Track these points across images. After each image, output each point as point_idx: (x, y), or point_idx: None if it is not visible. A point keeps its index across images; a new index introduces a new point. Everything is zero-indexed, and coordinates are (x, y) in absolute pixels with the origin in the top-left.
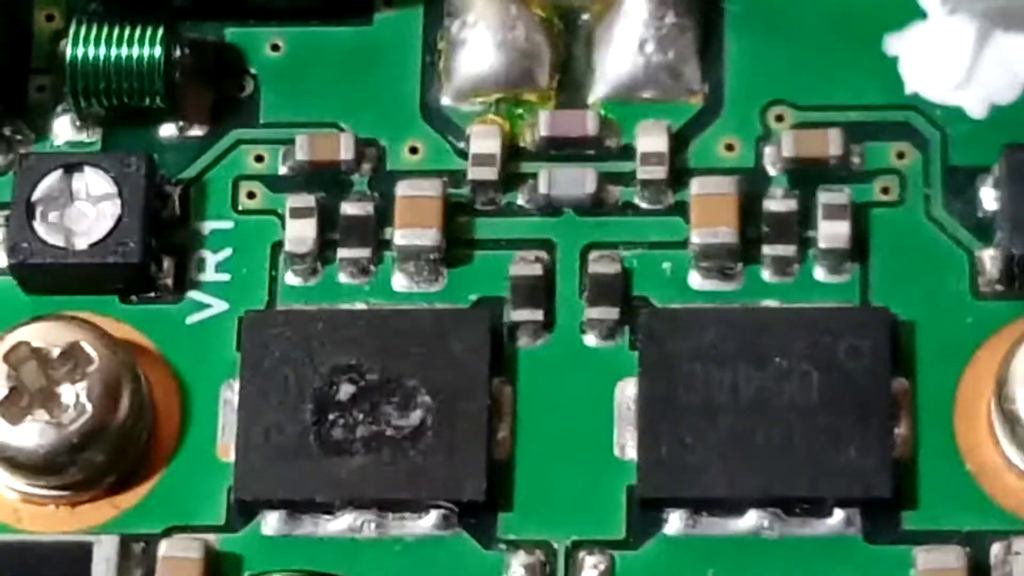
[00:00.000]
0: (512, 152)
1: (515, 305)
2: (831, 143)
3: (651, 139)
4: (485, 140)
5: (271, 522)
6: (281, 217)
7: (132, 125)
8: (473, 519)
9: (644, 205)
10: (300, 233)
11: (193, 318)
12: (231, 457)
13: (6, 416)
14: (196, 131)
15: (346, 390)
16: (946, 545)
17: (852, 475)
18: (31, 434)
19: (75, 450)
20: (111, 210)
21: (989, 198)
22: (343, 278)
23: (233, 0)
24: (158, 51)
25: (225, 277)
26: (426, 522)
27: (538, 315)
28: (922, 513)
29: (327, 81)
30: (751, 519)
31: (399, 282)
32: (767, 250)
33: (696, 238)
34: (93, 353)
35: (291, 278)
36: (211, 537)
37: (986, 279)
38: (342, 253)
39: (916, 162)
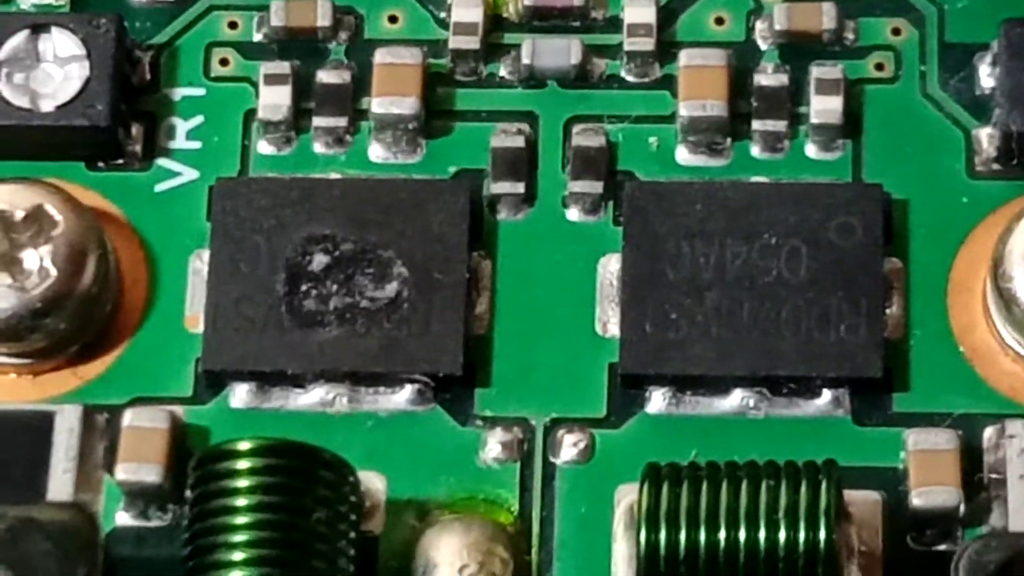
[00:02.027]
0: (495, 22)
1: (496, 177)
2: (824, 17)
3: (638, 10)
4: (467, 8)
5: (240, 394)
6: (255, 85)
7: None
8: (449, 394)
9: (630, 78)
10: (274, 100)
11: (162, 186)
12: (199, 328)
13: None
14: None
15: (320, 260)
16: (937, 427)
17: (841, 354)
18: None
19: (37, 315)
20: (79, 72)
21: (986, 75)
22: (318, 147)
23: None
24: None
25: (196, 145)
26: (400, 396)
27: (519, 188)
28: (913, 394)
29: None
30: (736, 398)
31: (376, 152)
32: (757, 125)
33: (684, 111)
34: (58, 217)
35: (264, 147)
36: (177, 409)
37: (982, 158)
38: (317, 122)
39: (912, 38)
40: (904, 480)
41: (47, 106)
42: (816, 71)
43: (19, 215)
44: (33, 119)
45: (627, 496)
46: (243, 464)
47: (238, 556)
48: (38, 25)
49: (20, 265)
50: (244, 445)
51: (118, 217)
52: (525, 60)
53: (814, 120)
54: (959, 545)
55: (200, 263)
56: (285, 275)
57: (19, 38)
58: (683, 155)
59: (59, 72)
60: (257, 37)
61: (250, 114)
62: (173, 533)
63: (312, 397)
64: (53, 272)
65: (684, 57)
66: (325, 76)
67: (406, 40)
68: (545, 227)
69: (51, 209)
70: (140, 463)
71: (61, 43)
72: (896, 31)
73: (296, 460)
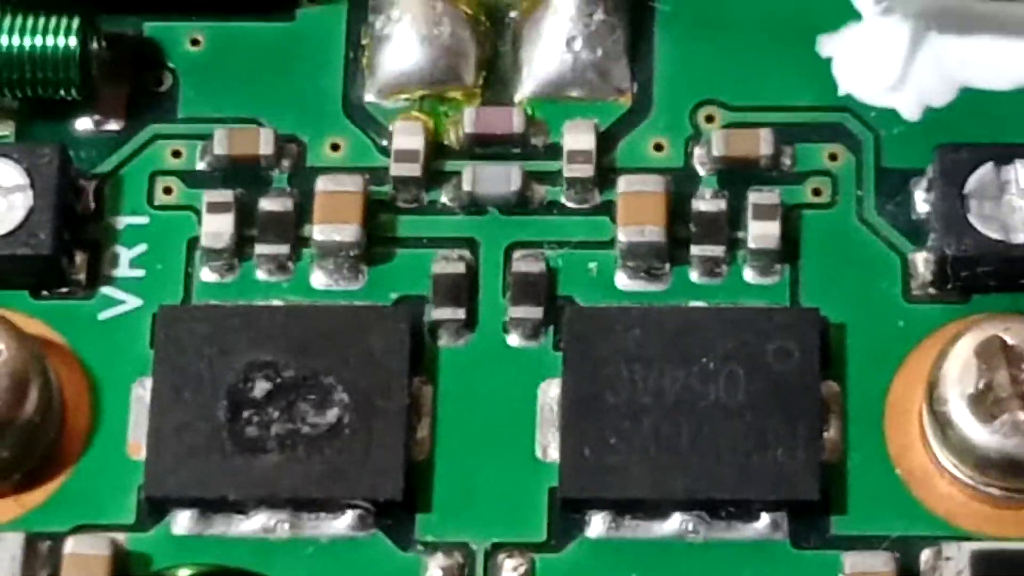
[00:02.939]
0: (436, 150)
1: (437, 303)
2: (762, 143)
3: (578, 137)
4: (408, 136)
5: (182, 521)
6: (198, 213)
7: (47, 117)
8: (390, 520)
9: (570, 204)
10: (217, 228)
11: (106, 314)
12: (142, 455)
13: None
14: (112, 125)
15: (261, 387)
16: (875, 550)
17: (779, 478)
18: None
19: None
20: (22, 202)
21: (922, 200)
22: (261, 275)
23: None
24: (74, 42)
25: (140, 273)
26: (342, 522)
27: (460, 314)
28: (851, 517)
29: (248, 77)
30: (675, 522)
31: (318, 279)
32: (695, 250)
33: (623, 236)
34: (0, 345)
35: (207, 274)
36: (120, 536)
37: (918, 282)
38: (260, 249)
39: (848, 163)
40: None
41: None
42: (753, 196)
43: None
44: None
45: None
46: None
47: None
48: None
49: None
50: (183, 572)
51: (61, 345)
52: (466, 187)
53: (752, 245)
54: None
55: (143, 390)
56: (227, 402)
57: None
58: (622, 280)
59: (2, 202)
60: (200, 165)
61: (193, 242)
62: None
63: (254, 523)
64: None
65: (623, 183)
66: (268, 204)
67: (348, 168)
68: (486, 353)
69: None
70: None
71: (4, 172)
72: (833, 156)
73: None
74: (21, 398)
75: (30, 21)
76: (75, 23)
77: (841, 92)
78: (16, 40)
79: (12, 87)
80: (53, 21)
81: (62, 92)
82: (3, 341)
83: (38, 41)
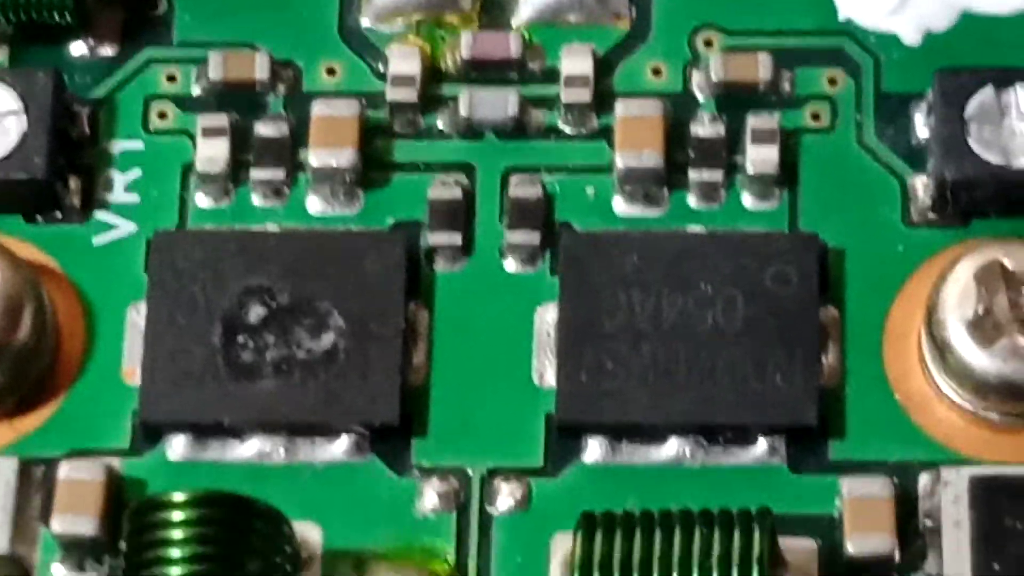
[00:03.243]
0: (432, 74)
1: (433, 228)
2: (761, 68)
3: (575, 62)
4: (404, 61)
5: (177, 446)
6: (193, 137)
7: (41, 43)
8: (386, 445)
9: (567, 129)
10: (212, 153)
11: (100, 239)
12: (137, 380)
13: None
14: (107, 50)
15: (257, 312)
16: (873, 475)
17: (777, 402)
18: None
19: None
20: (16, 126)
21: (921, 125)
22: (256, 200)
23: None
24: None
25: (134, 198)
26: (338, 447)
27: (456, 239)
28: (849, 442)
29: (243, 1)
30: (672, 447)
31: (314, 204)
32: (694, 175)
33: (620, 161)
34: None
35: (202, 199)
36: (114, 461)
37: (918, 207)
38: (255, 174)
39: (848, 88)
40: (839, 527)
41: None
42: (752, 121)
43: None
44: None
45: (563, 545)
46: (177, 515)
47: None
48: None
49: None
50: (178, 496)
51: (55, 270)
52: (462, 112)
53: (750, 170)
54: None
55: (137, 316)
56: (222, 327)
57: None
58: (620, 205)
59: None
60: (195, 90)
61: (188, 167)
62: None
63: (249, 448)
64: None
65: (620, 108)
66: (263, 129)
67: (344, 92)
68: (482, 278)
69: None
70: (76, 515)
71: (1, 97)
72: (832, 81)
73: (230, 511)
74: (15, 323)
75: None
76: None
77: (841, 16)
78: None
79: (6, 11)
80: None
81: (56, 17)
82: (2, 265)
83: None
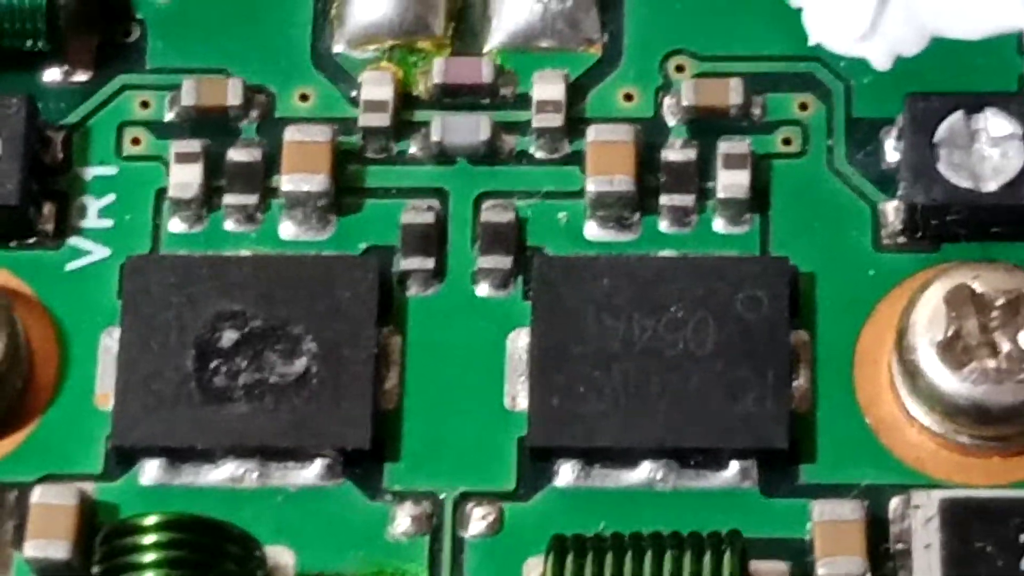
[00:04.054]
0: (405, 100)
1: (405, 254)
2: (732, 93)
3: (547, 87)
4: (377, 87)
5: (150, 471)
6: (166, 163)
7: (14, 69)
8: (359, 469)
9: (540, 154)
10: (185, 179)
11: (73, 264)
12: (110, 406)
13: None
14: (80, 76)
15: (229, 337)
16: (844, 498)
17: (748, 426)
18: None
19: None
20: None
21: (892, 149)
22: (229, 225)
23: None
24: None
25: (108, 223)
26: (310, 472)
27: (429, 264)
28: (820, 466)
29: (216, 27)
30: (644, 471)
31: (287, 230)
32: (665, 200)
33: (592, 186)
34: None
35: (176, 225)
36: (87, 485)
37: (888, 231)
38: (228, 200)
39: (819, 113)
40: (810, 551)
41: None
42: (723, 146)
43: None
44: None
45: (535, 569)
46: (149, 539)
47: None
48: None
49: None
50: (150, 520)
51: (28, 296)
52: (435, 137)
53: (721, 194)
54: None
55: (111, 341)
56: (195, 351)
57: None
58: (592, 230)
59: None
60: (169, 116)
61: (161, 192)
62: None
63: (222, 473)
64: None
65: (592, 133)
66: (236, 154)
67: (317, 118)
68: (454, 303)
69: None
70: (49, 540)
71: None
72: (803, 106)
73: (202, 535)
74: None
75: None
76: None
77: (811, 42)
78: None
79: None
80: None
81: (30, 43)
82: None
83: None
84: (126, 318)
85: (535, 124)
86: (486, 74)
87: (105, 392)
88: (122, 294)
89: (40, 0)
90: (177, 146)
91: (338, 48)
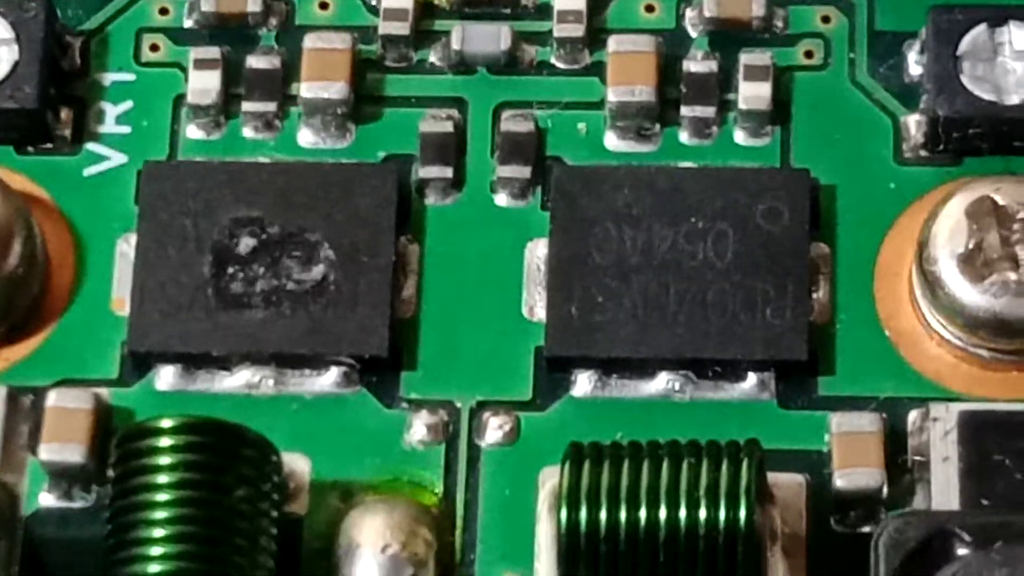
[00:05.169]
0: (425, 8)
1: (424, 162)
2: (754, 5)
3: None
4: None
5: (165, 376)
6: (185, 70)
7: None
8: (375, 377)
9: (560, 64)
10: (203, 85)
11: (91, 170)
12: (126, 311)
13: None
14: None
15: (247, 243)
16: (862, 411)
17: (767, 338)
18: None
19: None
20: (8, 56)
21: (915, 63)
22: (248, 132)
23: None
24: None
25: (125, 129)
26: (326, 379)
27: (447, 172)
28: (839, 378)
29: None
30: (662, 381)
31: (305, 137)
32: (685, 111)
33: (612, 97)
34: None
35: (194, 131)
36: (103, 390)
37: (910, 144)
38: (246, 107)
39: (841, 25)
40: (828, 463)
41: None
42: (745, 58)
43: None
44: None
45: (551, 478)
46: (165, 441)
47: (159, 533)
48: None
49: None
50: (166, 423)
51: (46, 201)
52: (455, 46)
53: (742, 106)
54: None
55: (127, 246)
56: (212, 258)
57: None
58: (612, 141)
59: None
60: (187, 23)
61: (180, 99)
62: (96, 513)
63: (238, 379)
64: None
65: (613, 43)
66: (255, 61)
67: (336, 26)
68: (473, 212)
69: None
70: (64, 444)
71: None
72: (825, 19)
73: (218, 438)
74: (5, 252)
75: None
76: None
77: None
78: None
79: None
80: None
81: None
82: None
83: None
84: (143, 224)
85: (556, 34)
86: None
87: (121, 297)
88: (139, 200)
89: None
90: (196, 52)
91: None
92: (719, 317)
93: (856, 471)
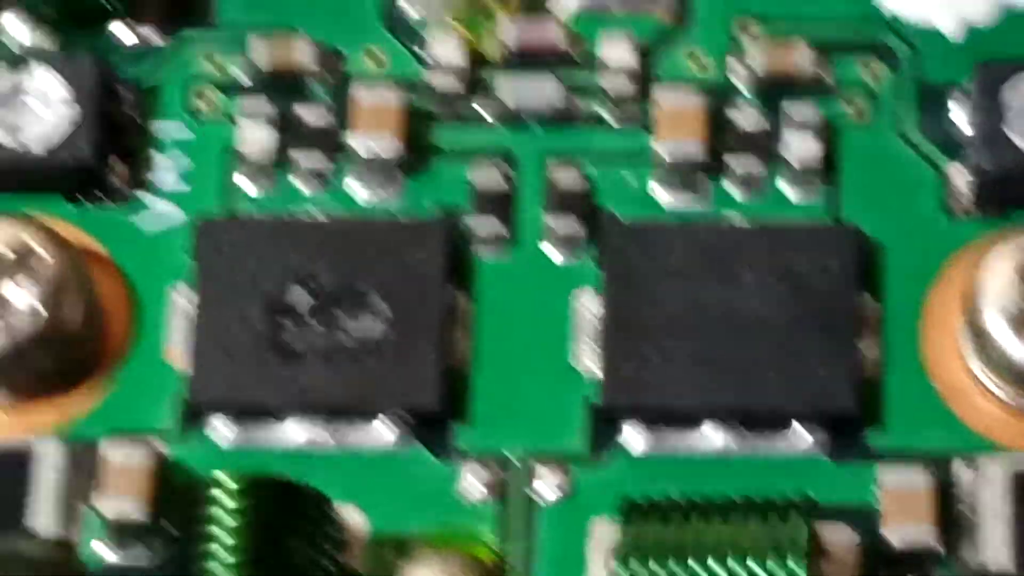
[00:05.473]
0: (476, 61)
1: (475, 215)
2: (801, 58)
3: (617, 50)
4: (447, 47)
5: (221, 429)
6: (236, 122)
7: (87, 26)
8: (428, 429)
9: (609, 117)
10: (256, 139)
11: (144, 222)
12: (182, 363)
13: None
14: (152, 34)
15: (301, 297)
16: (912, 464)
17: (817, 391)
18: None
19: (23, 352)
20: (64, 110)
21: (961, 116)
22: (299, 186)
23: None
24: None
25: (178, 182)
26: (381, 432)
27: (498, 226)
28: (888, 432)
29: None
30: (713, 435)
31: (357, 190)
32: (734, 165)
33: (662, 150)
34: (44, 253)
35: (246, 185)
36: (159, 443)
37: (956, 198)
38: (298, 160)
39: (888, 79)
40: (878, 516)
41: (32, 144)
42: (793, 111)
43: (4, 251)
44: (18, 156)
45: (604, 531)
46: (226, 501)
47: None
48: (23, 63)
49: (5, 301)
50: (223, 479)
51: (101, 253)
52: (505, 99)
53: (791, 161)
54: None
55: (182, 299)
56: (267, 312)
57: (4, 76)
58: (661, 194)
59: (44, 109)
60: (239, 75)
61: (232, 152)
62: (153, 567)
63: (293, 432)
64: (39, 309)
65: (662, 97)
66: (307, 114)
67: (387, 79)
68: (524, 264)
69: (37, 246)
70: (121, 497)
71: (47, 81)
72: (872, 72)
73: (275, 494)
74: (65, 306)
75: None
76: None
77: (882, 7)
78: None
79: None
80: None
81: (103, 1)
82: (47, 249)
83: None
84: (198, 278)
85: (605, 87)
86: (557, 36)
87: (177, 350)
88: (194, 254)
89: None
90: (248, 106)
91: (408, 8)
92: (770, 371)
93: (906, 526)
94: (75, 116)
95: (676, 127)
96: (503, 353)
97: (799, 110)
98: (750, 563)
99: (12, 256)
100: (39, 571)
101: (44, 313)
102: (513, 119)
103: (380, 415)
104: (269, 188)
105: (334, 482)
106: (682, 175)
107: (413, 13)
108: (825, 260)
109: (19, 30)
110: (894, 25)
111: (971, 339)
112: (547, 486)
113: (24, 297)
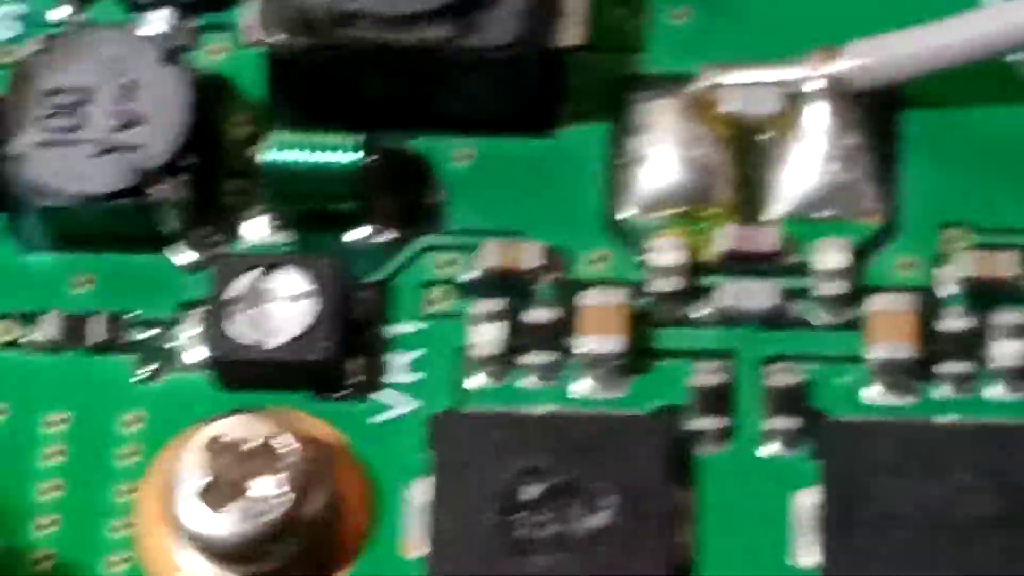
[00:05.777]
0: (695, 266)
1: (696, 413)
2: (1008, 265)
3: (830, 256)
4: (668, 253)
5: None
6: (468, 321)
7: (324, 228)
8: None
9: (823, 320)
10: (486, 337)
11: (382, 417)
12: (417, 554)
13: (208, 504)
14: (386, 236)
15: (531, 491)
16: None
17: None
18: (230, 522)
19: (271, 540)
20: (308, 309)
21: None
22: (528, 383)
23: (423, 110)
24: (356, 158)
25: (413, 378)
26: None
27: (718, 423)
28: None
29: (512, 191)
30: None
31: (582, 388)
32: (944, 367)
33: (873, 353)
34: (290, 445)
35: (477, 381)
36: None
37: None
38: (527, 358)
39: None
40: None
41: (276, 342)
42: (1000, 316)
43: (253, 444)
44: (264, 354)
45: None
46: None
47: None
48: (269, 264)
49: (254, 492)
50: None
51: (341, 446)
52: (724, 302)
53: (1000, 363)
54: None
55: (417, 492)
56: (499, 505)
57: (251, 277)
58: (873, 394)
59: (288, 309)
60: (470, 276)
61: (464, 350)
62: None
63: None
64: (287, 498)
65: (873, 301)
66: (534, 314)
67: (609, 281)
68: (743, 462)
69: (284, 438)
70: None
71: (290, 281)
72: None
73: None
74: (310, 496)
75: (316, 139)
76: (358, 141)
77: None
78: (301, 156)
79: (295, 200)
80: (337, 139)
81: (341, 205)
82: (297, 440)
83: (322, 157)
84: (433, 472)
85: (819, 292)
86: (773, 242)
87: (413, 542)
88: (430, 448)
89: (354, 165)
90: (478, 305)
91: (630, 214)
92: (984, 570)
93: None
94: (318, 314)
95: (887, 330)
96: (724, 548)
97: (1006, 315)
98: None
99: (261, 448)
100: None
101: (289, 500)
102: (731, 320)
103: None
104: (498, 384)
105: None
106: (894, 376)
107: (636, 220)
108: None
109: (260, 232)
110: None
111: None
112: None
113: (272, 487)
